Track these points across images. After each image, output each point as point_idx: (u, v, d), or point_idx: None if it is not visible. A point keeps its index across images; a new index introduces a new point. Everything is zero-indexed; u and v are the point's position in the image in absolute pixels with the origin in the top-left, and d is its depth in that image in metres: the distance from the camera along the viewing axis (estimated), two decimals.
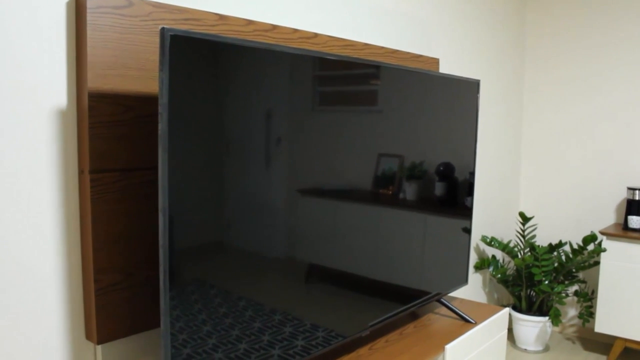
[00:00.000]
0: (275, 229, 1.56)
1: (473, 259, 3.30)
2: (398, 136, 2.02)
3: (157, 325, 1.58)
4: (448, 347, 2.04)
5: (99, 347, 1.47)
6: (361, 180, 1.89)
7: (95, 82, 1.39)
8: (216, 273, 1.41)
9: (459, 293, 3.15)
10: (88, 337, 1.45)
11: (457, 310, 2.34)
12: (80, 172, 1.41)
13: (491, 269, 3.29)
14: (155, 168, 1.53)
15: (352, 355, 1.98)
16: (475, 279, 3.34)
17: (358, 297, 1.91)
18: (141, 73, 1.48)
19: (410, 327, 2.25)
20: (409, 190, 2.13)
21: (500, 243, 3.28)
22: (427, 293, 2.26)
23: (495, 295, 3.59)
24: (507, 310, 2.45)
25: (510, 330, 3.44)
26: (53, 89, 1.36)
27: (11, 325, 1.32)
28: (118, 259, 1.45)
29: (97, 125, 1.39)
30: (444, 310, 2.44)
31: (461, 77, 2.30)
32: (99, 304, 1.42)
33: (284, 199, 1.57)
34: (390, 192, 2.06)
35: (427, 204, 2.23)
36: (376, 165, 1.96)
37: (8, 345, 1.32)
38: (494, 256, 3.35)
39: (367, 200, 1.93)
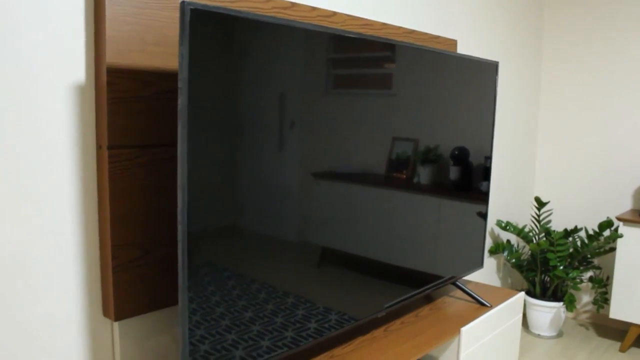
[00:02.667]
0: (289, 211, 1.55)
1: (488, 243, 3.28)
2: (413, 119, 1.99)
3: (175, 303, 1.57)
4: (464, 329, 2.03)
5: (116, 324, 1.47)
6: (375, 164, 1.87)
7: (114, 57, 1.38)
8: (232, 253, 1.41)
9: (473, 277, 3.14)
10: (105, 314, 1.45)
11: (472, 294, 2.33)
12: (99, 147, 1.40)
13: (506, 253, 3.27)
14: (174, 145, 1.52)
15: (367, 336, 1.97)
16: (489, 263, 3.32)
17: (373, 280, 1.90)
18: (160, 49, 1.46)
19: (425, 310, 2.24)
20: (424, 174, 2.11)
21: (515, 228, 3.26)
22: (442, 276, 2.24)
23: (509, 280, 3.57)
24: (522, 294, 2.43)
25: (524, 316, 3.43)
26: (72, 65, 1.35)
27: (29, 302, 1.32)
28: (136, 236, 1.45)
29: (115, 101, 1.38)
30: (459, 293, 2.43)
31: (480, 58, 2.27)
32: (117, 281, 1.42)
33: (298, 181, 1.56)
34: (405, 176, 2.04)
35: (442, 188, 2.21)
36: (390, 148, 1.94)
37: (26, 323, 1.32)
38: (508, 241, 3.33)
39: (381, 184, 1.92)
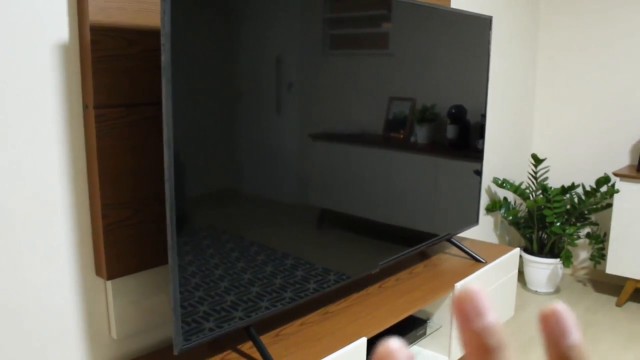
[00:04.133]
0: (280, 168, 1.55)
1: (484, 201, 3.28)
2: (410, 78, 1.98)
3: (167, 262, 1.58)
4: (458, 285, 2.05)
5: (109, 283, 1.49)
6: (372, 124, 1.86)
7: (97, 15, 1.36)
8: (220, 210, 1.41)
9: (470, 235, 3.15)
10: (98, 273, 1.47)
11: (467, 250, 2.34)
12: (85, 107, 1.39)
13: (502, 211, 3.28)
14: (161, 103, 1.51)
15: (362, 293, 1.99)
16: (486, 221, 3.33)
17: (369, 239, 1.91)
18: (143, 6, 1.44)
19: (420, 267, 2.26)
20: (420, 134, 2.10)
21: (512, 185, 3.26)
22: (438, 234, 2.25)
23: (507, 238, 3.59)
24: (517, 250, 2.44)
25: (521, 273, 3.46)
26: (54, 23, 1.33)
27: (20, 262, 1.33)
28: (126, 195, 1.45)
29: (100, 60, 1.37)
30: (454, 250, 2.45)
31: (472, 12, 2.24)
32: (108, 240, 1.43)
33: (291, 140, 1.55)
34: (402, 136, 2.03)
35: (438, 146, 2.20)
36: (387, 108, 1.93)
37: (18, 282, 1.34)
38: (505, 198, 3.33)
39: (378, 144, 1.91)
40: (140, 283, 1.54)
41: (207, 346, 1.61)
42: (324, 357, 1.54)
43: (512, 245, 3.21)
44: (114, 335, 1.52)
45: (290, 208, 1.60)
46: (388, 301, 1.92)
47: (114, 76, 1.40)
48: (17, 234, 1.32)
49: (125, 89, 1.43)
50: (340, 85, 1.70)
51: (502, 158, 3.39)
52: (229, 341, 1.64)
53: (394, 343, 0.29)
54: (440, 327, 2.11)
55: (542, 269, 3.27)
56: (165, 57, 1.21)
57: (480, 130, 2.42)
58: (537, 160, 3.26)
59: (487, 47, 2.36)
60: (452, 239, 2.37)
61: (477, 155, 2.42)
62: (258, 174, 1.48)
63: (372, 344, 1.85)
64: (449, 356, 2.10)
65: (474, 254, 2.32)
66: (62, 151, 1.37)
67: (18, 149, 1.29)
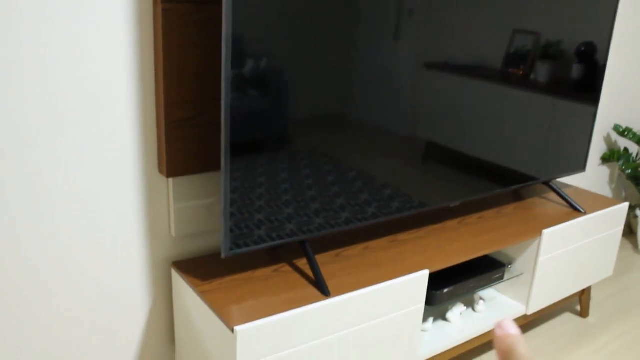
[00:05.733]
0: (382, 89, 1.44)
1: (601, 149, 2.98)
2: (535, 11, 1.78)
3: None
4: (546, 232, 1.88)
5: (170, 181, 1.49)
6: (492, 57, 1.72)
7: None
8: (278, 117, 1.35)
9: (577, 182, 2.89)
10: (161, 170, 1.47)
11: (566, 196, 2.14)
12: (154, 2, 1.36)
13: (621, 162, 2.97)
14: None
15: (438, 226, 1.88)
16: (601, 172, 3.04)
17: (459, 172, 1.78)
18: None
19: (510, 207, 2.10)
20: (541, 71, 1.91)
21: (635, 135, 2.93)
22: (537, 177, 2.06)
23: (623, 194, 3.27)
24: (625, 205, 2.20)
25: (634, 234, 3.15)
26: None
27: (87, 157, 1.36)
28: (191, 94, 1.42)
29: None
30: (552, 195, 2.25)
31: None
32: (170, 137, 1.42)
33: (405, 67, 1.44)
34: (521, 72, 1.85)
35: (556, 85, 1.98)
36: (510, 41, 1.75)
37: (85, 180, 1.37)
38: (626, 149, 3.01)
39: (494, 79, 1.76)
40: (202, 184, 1.54)
41: (265, 254, 1.60)
42: (378, 283, 1.47)
43: (628, 202, 2.91)
44: (173, 233, 1.53)
45: (374, 124, 1.51)
46: (463, 238, 1.80)
47: None
48: (82, 128, 1.33)
49: None
50: (463, 14, 1.57)
51: (627, 105, 3.04)
52: (287, 254, 1.61)
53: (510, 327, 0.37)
54: (522, 274, 1.96)
55: None
56: None
57: (601, 72, 2.15)
58: None
59: None
60: (552, 184, 2.17)
61: (594, 97, 2.16)
62: (337, 86, 1.39)
63: (435, 278, 1.75)
64: (527, 305, 1.96)
65: (573, 202, 2.12)
66: (130, 46, 1.36)
67: (86, 41, 1.29)
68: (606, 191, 3.13)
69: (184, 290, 1.48)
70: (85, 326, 1.49)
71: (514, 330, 0.38)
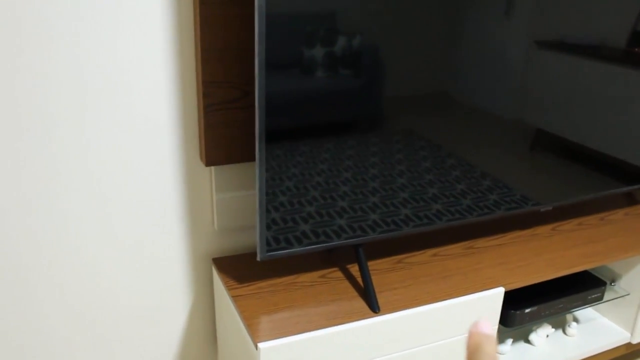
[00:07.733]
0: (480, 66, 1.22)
1: None
2: None
3: None
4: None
5: (212, 169, 1.35)
6: (614, 35, 1.43)
7: None
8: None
9: None
10: (201, 158, 1.33)
11: None
12: None
13: None
14: None
15: (525, 232, 1.62)
16: None
17: (560, 168, 1.50)
18: None
19: (619, 213, 1.78)
20: None
21: None
22: None
23: None
24: None
25: None
26: None
27: (124, 142, 1.24)
28: (234, 74, 1.26)
29: None
30: None
31: None
32: (209, 122, 1.26)
33: (513, 44, 1.21)
34: None
35: None
36: (636, 17, 1.45)
37: (123, 161, 1.25)
38: None
39: (616, 60, 1.47)
40: (246, 174, 1.38)
41: (317, 255, 1.42)
42: (440, 300, 1.25)
43: None
44: (216, 226, 1.39)
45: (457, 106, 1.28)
46: (555, 248, 1.53)
47: None
48: (118, 109, 1.21)
49: None
50: None
51: None
52: (342, 257, 1.43)
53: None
54: (628, 294, 1.65)
55: None
56: None
57: None
58: None
59: None
60: None
61: None
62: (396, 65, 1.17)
63: (513, 297, 1.49)
64: (632, 332, 1.66)
65: None
66: (167, 22, 1.21)
67: (120, 19, 1.16)
68: None
69: (221, 290, 1.34)
70: (125, 322, 1.39)
71: (488, 330, 0.38)
